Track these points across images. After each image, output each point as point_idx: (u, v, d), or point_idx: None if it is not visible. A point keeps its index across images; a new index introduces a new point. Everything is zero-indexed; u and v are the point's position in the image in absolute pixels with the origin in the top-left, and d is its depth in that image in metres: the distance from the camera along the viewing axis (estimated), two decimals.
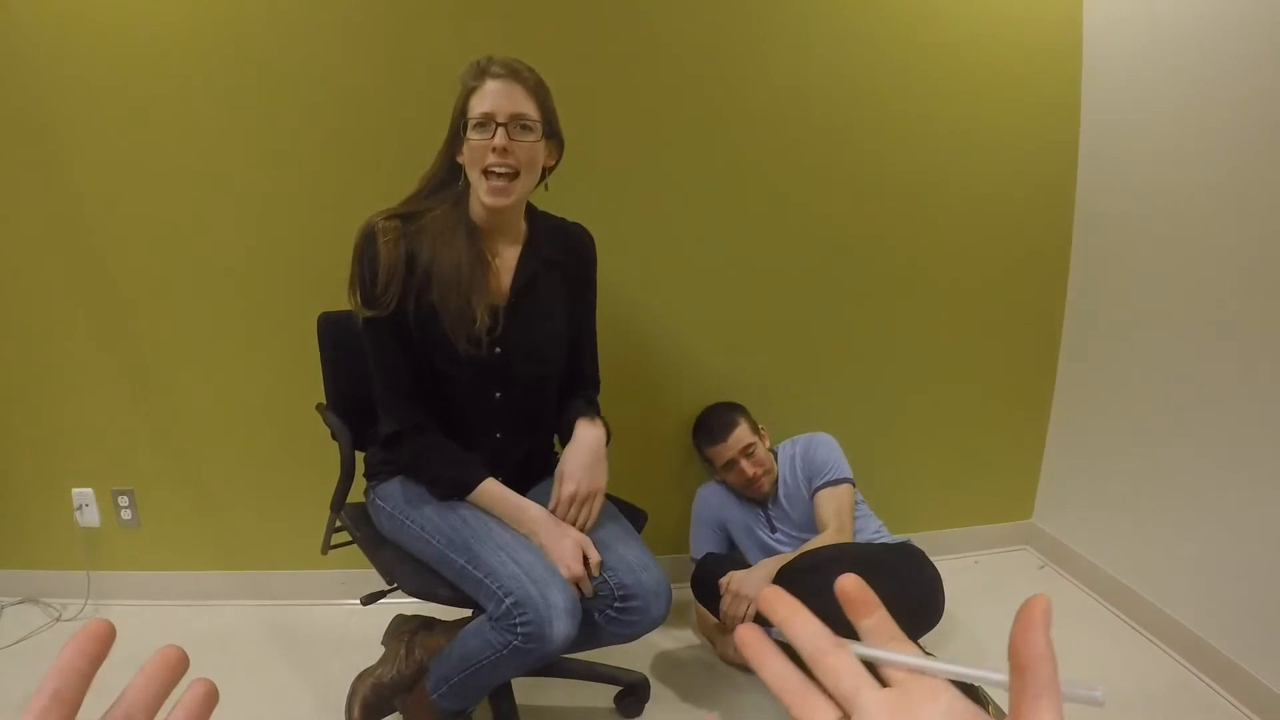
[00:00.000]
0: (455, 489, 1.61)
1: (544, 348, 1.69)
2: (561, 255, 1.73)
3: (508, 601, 1.45)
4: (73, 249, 2.21)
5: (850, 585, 0.44)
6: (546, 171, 1.66)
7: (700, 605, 2.25)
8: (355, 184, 2.18)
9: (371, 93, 2.15)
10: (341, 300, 1.84)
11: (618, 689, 2.02)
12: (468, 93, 1.53)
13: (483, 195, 1.54)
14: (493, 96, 1.50)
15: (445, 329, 1.56)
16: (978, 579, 2.62)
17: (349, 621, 2.37)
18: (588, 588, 1.53)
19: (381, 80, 2.14)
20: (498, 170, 1.51)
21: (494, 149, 1.49)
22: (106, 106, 2.10)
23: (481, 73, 1.51)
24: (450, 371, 1.61)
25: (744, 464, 2.21)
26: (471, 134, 1.51)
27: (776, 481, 2.28)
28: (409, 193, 1.63)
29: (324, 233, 2.20)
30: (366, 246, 1.56)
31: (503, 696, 1.83)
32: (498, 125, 1.49)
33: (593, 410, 1.75)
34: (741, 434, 2.23)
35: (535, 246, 1.68)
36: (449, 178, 1.62)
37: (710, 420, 2.30)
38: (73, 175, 2.16)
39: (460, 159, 1.58)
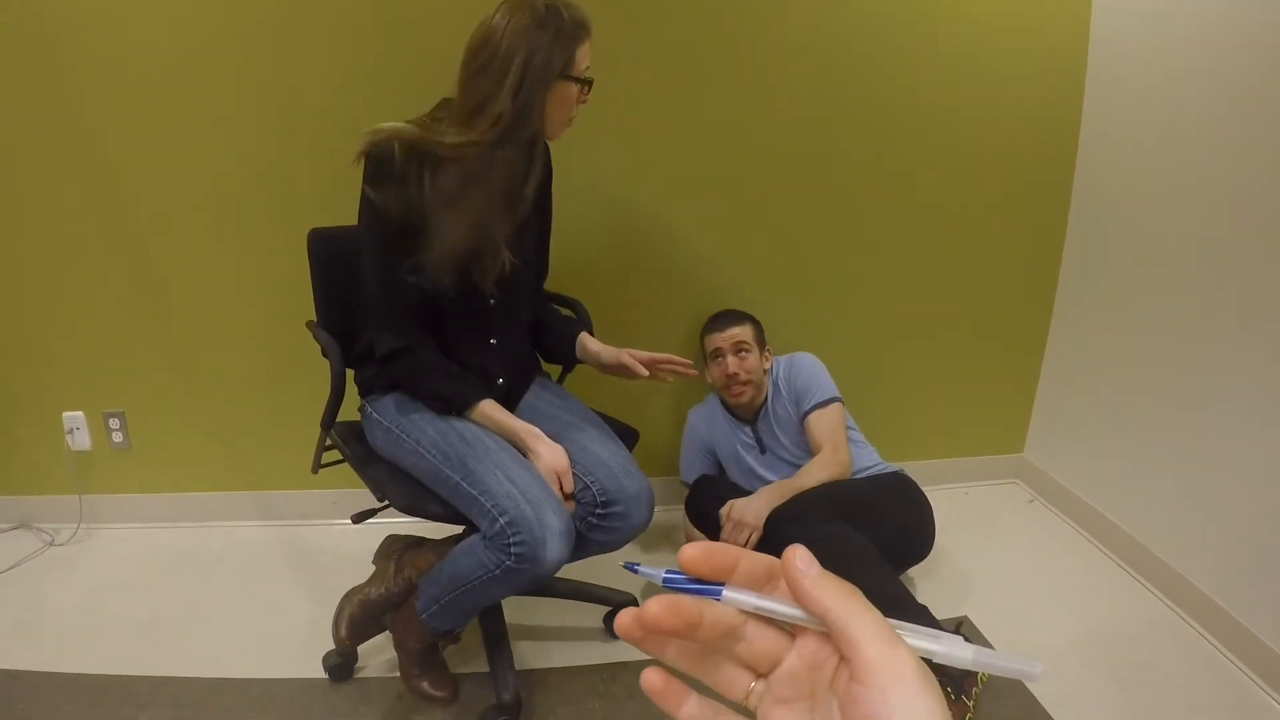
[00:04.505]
0: (453, 406, 1.61)
1: (528, 250, 1.71)
2: (545, 176, 1.77)
3: (502, 521, 1.45)
4: (60, 175, 2.17)
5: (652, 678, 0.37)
6: None
7: (691, 528, 2.26)
8: (343, 99, 2.14)
9: (357, 5, 2.09)
10: (329, 216, 1.83)
11: (607, 609, 2.05)
12: (574, 42, 1.53)
13: (558, 132, 1.64)
14: (587, 54, 1.57)
15: (475, 265, 1.58)
16: (967, 510, 2.64)
17: (340, 542, 2.39)
18: (568, 488, 1.56)
19: None
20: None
21: (582, 102, 1.62)
22: (97, 26, 2.05)
23: (585, 28, 1.56)
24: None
25: (730, 359, 2.19)
26: (577, 87, 1.58)
27: (764, 403, 2.26)
28: (471, 134, 1.52)
29: (311, 148, 2.18)
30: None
31: (492, 616, 1.84)
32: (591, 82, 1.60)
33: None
34: (741, 331, 2.22)
35: None
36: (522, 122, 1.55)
37: (722, 313, 2.30)
38: (62, 104, 2.11)
39: (547, 102, 1.55)
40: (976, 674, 1.70)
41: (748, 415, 2.29)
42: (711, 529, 2.12)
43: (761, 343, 2.27)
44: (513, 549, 1.44)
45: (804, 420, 2.20)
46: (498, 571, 1.47)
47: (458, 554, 1.57)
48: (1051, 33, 2.36)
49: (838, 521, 1.86)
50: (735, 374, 2.19)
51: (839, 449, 2.13)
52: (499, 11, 1.49)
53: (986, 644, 1.98)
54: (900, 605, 1.73)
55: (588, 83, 1.58)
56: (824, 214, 2.44)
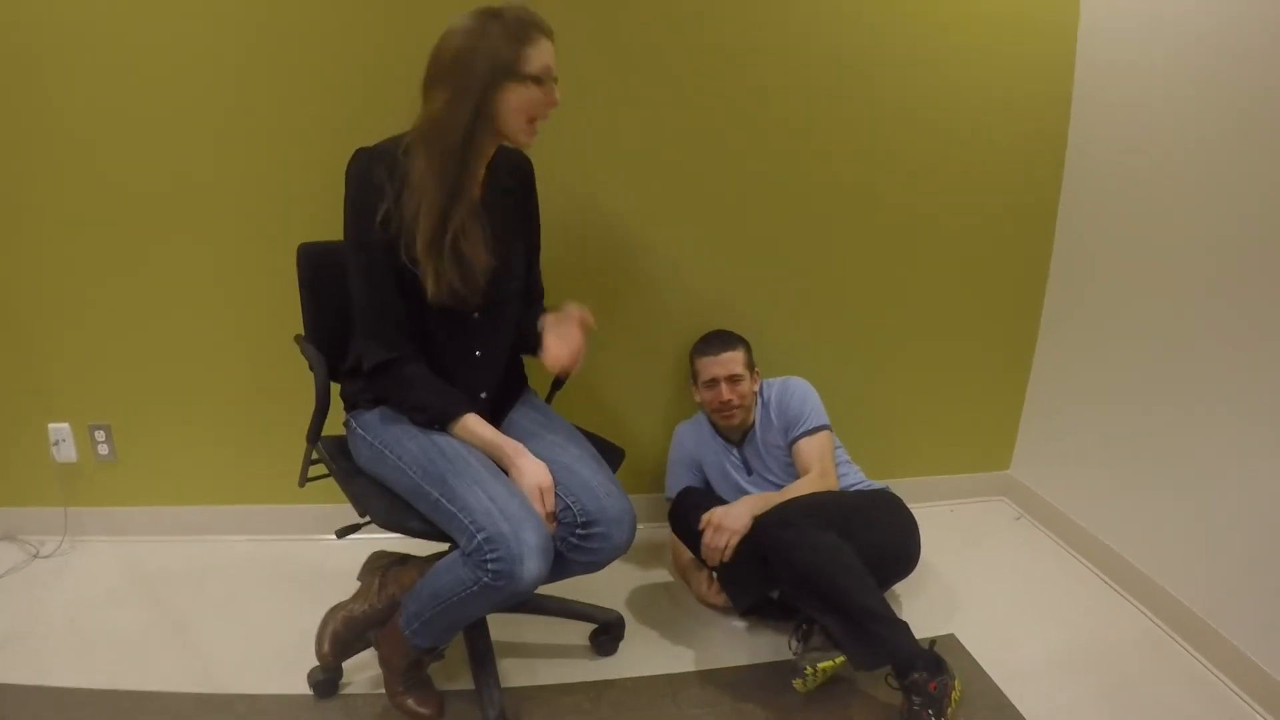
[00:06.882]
0: (437, 419, 1.62)
1: (514, 267, 1.74)
2: (514, 182, 1.78)
3: (479, 537, 1.45)
4: (47, 185, 2.17)
5: None
6: None
7: (676, 543, 2.27)
8: (333, 114, 2.15)
9: (348, 18, 2.10)
10: (317, 231, 1.83)
11: (593, 627, 2.04)
12: (520, 44, 1.52)
13: (522, 138, 1.60)
14: (547, 53, 1.55)
15: (455, 284, 1.58)
16: (953, 527, 2.64)
17: (326, 557, 2.38)
18: (550, 505, 1.56)
19: (356, 7, 2.10)
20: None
21: (551, 104, 1.59)
22: (90, 37, 2.05)
23: (535, 27, 1.54)
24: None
25: (724, 386, 2.20)
26: (534, 87, 1.55)
27: (753, 425, 2.27)
28: (435, 154, 1.55)
29: (301, 163, 2.17)
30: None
31: (478, 633, 1.84)
32: (554, 80, 1.58)
33: None
34: (735, 359, 2.22)
35: (495, 175, 1.70)
36: (479, 130, 1.57)
37: (713, 335, 2.30)
38: (51, 114, 2.11)
39: (497, 106, 1.54)
40: (953, 691, 1.70)
41: (735, 437, 2.29)
42: (695, 543, 2.12)
43: (751, 366, 2.28)
44: (489, 565, 1.44)
45: (792, 445, 2.20)
46: (475, 588, 1.47)
47: (438, 570, 1.57)
48: (1038, 49, 2.39)
49: (829, 531, 1.86)
50: (729, 400, 2.20)
51: (827, 473, 2.14)
52: (450, 25, 1.54)
53: (972, 659, 1.99)
54: (881, 620, 1.73)
55: (538, 80, 1.54)
56: (811, 230, 2.45)
